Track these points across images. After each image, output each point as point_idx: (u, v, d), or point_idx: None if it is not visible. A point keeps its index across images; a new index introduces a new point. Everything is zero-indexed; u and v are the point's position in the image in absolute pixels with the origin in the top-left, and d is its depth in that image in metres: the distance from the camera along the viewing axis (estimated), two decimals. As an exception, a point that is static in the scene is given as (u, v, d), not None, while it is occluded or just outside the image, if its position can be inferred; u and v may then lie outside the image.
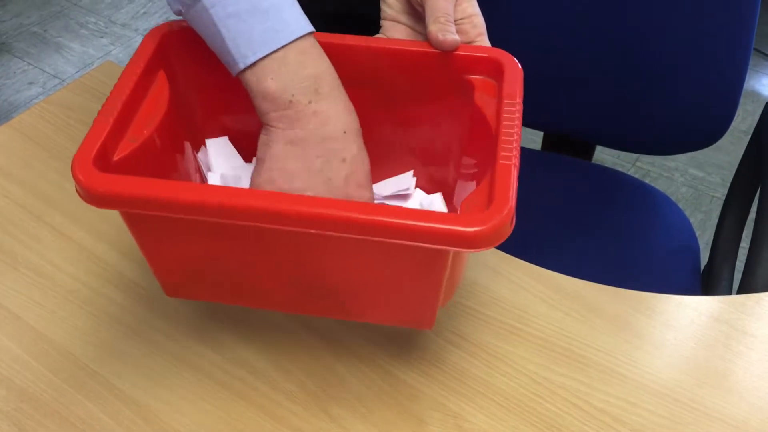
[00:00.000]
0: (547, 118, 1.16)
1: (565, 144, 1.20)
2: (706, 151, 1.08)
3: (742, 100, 1.02)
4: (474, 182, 0.60)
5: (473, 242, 0.49)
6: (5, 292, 0.74)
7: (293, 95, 0.59)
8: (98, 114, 0.56)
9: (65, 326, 0.71)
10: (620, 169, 1.25)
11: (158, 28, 0.63)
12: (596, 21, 1.04)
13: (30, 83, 2.21)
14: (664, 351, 0.70)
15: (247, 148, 0.69)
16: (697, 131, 1.06)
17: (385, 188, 0.68)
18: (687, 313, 0.73)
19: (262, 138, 0.61)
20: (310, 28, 0.61)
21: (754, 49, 0.99)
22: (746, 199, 1.05)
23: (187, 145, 0.66)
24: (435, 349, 0.69)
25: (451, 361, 0.68)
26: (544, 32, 1.06)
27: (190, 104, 0.65)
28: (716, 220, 1.08)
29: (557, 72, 1.09)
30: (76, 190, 0.54)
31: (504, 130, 0.56)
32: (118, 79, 0.59)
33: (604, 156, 1.93)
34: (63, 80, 2.22)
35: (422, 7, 0.65)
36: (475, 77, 0.61)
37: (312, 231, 0.50)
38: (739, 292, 0.93)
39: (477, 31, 0.65)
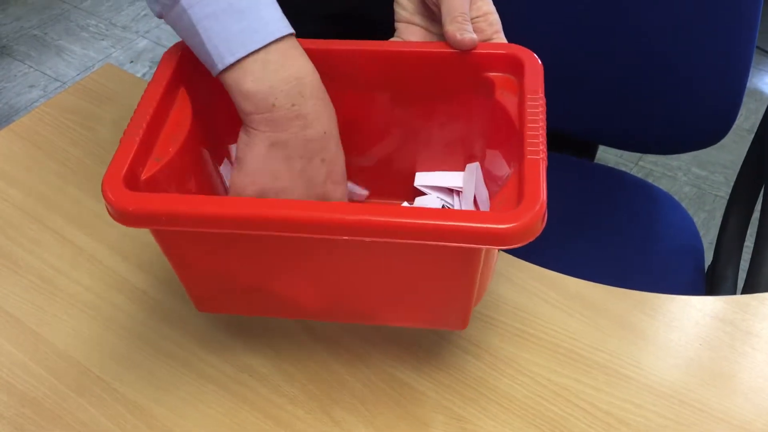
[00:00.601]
0: (550, 118, 1.15)
1: (567, 144, 1.20)
2: (709, 149, 1.07)
3: (744, 99, 1.01)
4: (501, 178, 0.60)
5: (506, 239, 0.49)
6: (6, 296, 0.74)
7: (276, 99, 0.59)
8: (124, 134, 0.57)
9: (67, 330, 0.71)
10: (623, 169, 1.25)
11: (177, 45, 0.64)
12: (598, 20, 1.03)
13: (31, 86, 2.21)
14: (669, 352, 0.70)
15: None
16: (700, 130, 1.06)
17: (439, 180, 0.67)
18: (692, 314, 0.73)
19: (243, 138, 0.61)
20: (290, 29, 0.61)
21: (757, 47, 0.99)
22: (750, 198, 1.05)
23: (211, 159, 0.66)
24: (439, 352, 0.69)
25: (454, 364, 0.68)
26: (547, 31, 1.06)
27: (212, 119, 0.65)
28: (720, 219, 1.08)
29: (560, 71, 1.08)
30: (107, 210, 0.54)
31: (529, 125, 0.55)
32: (141, 98, 0.59)
33: (607, 155, 1.92)
34: (64, 83, 2.22)
35: (437, 7, 0.65)
36: (494, 74, 0.61)
37: (344, 237, 0.50)
38: (744, 291, 0.92)
39: (493, 28, 0.65)
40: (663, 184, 1.89)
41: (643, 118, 1.07)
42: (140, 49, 2.33)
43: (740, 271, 1.00)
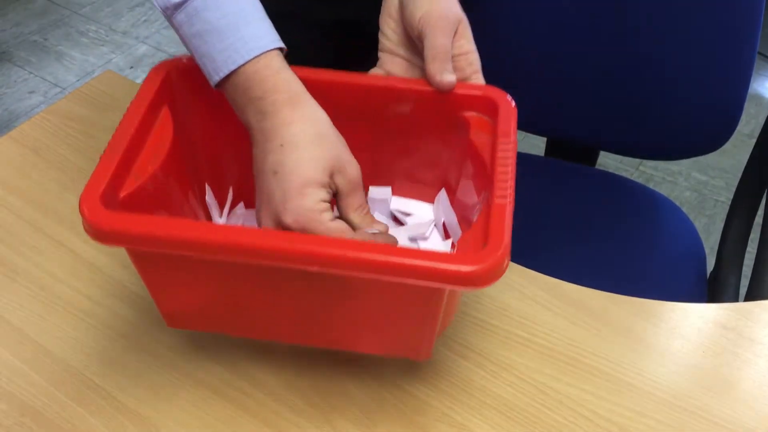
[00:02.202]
0: (551, 124, 1.15)
1: (568, 149, 1.20)
2: (709, 155, 1.07)
3: (745, 104, 1.01)
4: (471, 206, 0.62)
5: (470, 281, 0.51)
6: (5, 304, 0.73)
7: (248, 120, 0.62)
8: (105, 151, 0.57)
9: (66, 339, 0.70)
10: (623, 174, 1.24)
11: (163, 63, 0.64)
12: (600, 26, 1.03)
13: (30, 92, 2.21)
14: (671, 359, 0.69)
15: (248, 196, 0.70)
16: (702, 136, 1.06)
17: (405, 232, 0.69)
18: (694, 321, 0.72)
19: None
20: (268, 45, 0.62)
21: (758, 52, 0.99)
22: (752, 204, 1.05)
23: (192, 181, 0.67)
24: (441, 360, 0.69)
25: (456, 372, 0.68)
26: (548, 37, 1.06)
27: (194, 140, 0.66)
28: (720, 225, 1.08)
29: (561, 77, 1.08)
30: (83, 226, 0.54)
31: (499, 168, 0.57)
32: (124, 115, 0.60)
33: (607, 161, 1.92)
34: (64, 89, 2.22)
35: (421, 41, 0.66)
36: (470, 114, 0.63)
37: (314, 269, 0.52)
38: (747, 298, 0.92)
39: (472, 68, 0.67)
40: (663, 189, 1.89)
41: (644, 123, 1.07)
42: (140, 55, 2.33)
43: (742, 278, 1.00)
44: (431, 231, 0.68)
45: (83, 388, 0.67)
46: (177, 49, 2.31)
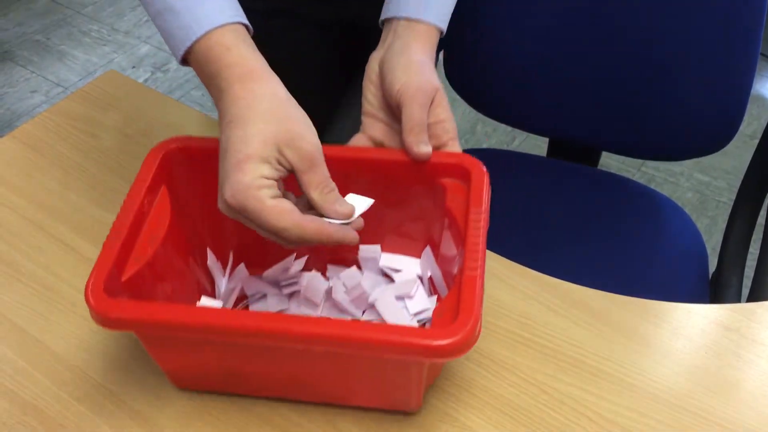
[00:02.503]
0: (553, 125, 1.15)
1: (570, 150, 1.20)
2: (711, 155, 1.07)
3: (747, 105, 1.01)
4: (453, 259, 0.65)
5: (443, 353, 0.54)
6: (9, 303, 0.73)
7: (213, 99, 0.63)
8: (107, 238, 0.60)
9: (70, 338, 0.71)
10: (625, 175, 1.24)
11: (160, 144, 0.67)
12: (602, 26, 1.03)
13: (33, 91, 2.21)
14: (674, 360, 0.69)
15: (248, 258, 0.74)
16: (704, 137, 1.06)
17: (393, 291, 0.71)
18: (696, 322, 0.72)
19: None
20: (219, 21, 0.62)
21: (761, 53, 0.99)
22: (754, 205, 1.05)
23: (193, 247, 0.70)
24: (442, 360, 0.69)
25: (459, 372, 0.68)
26: (550, 38, 1.06)
27: (194, 212, 0.69)
28: (722, 225, 1.08)
29: (563, 77, 1.08)
30: (90, 314, 0.57)
31: (470, 239, 0.60)
32: (125, 200, 0.62)
33: (609, 161, 1.92)
34: (66, 88, 2.22)
35: (399, 110, 0.68)
36: (446, 180, 0.66)
37: (299, 347, 0.56)
38: (749, 299, 0.92)
39: (448, 135, 0.69)
40: (665, 190, 1.89)
41: (647, 124, 1.07)
42: (142, 55, 2.33)
43: (745, 278, 1.00)
44: (416, 289, 0.71)
45: (87, 387, 0.67)
46: (179, 49, 2.31)
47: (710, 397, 0.66)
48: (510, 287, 0.74)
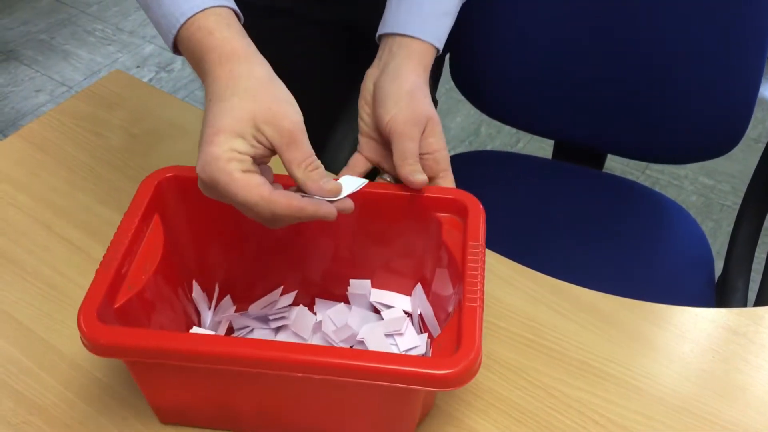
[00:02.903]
0: (559, 127, 1.15)
1: (576, 152, 1.20)
2: (715, 159, 1.07)
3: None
4: (447, 298, 0.65)
5: (443, 384, 0.54)
6: (15, 302, 0.73)
7: (201, 79, 0.62)
8: (100, 265, 0.60)
9: (76, 338, 0.69)
10: (630, 177, 1.24)
11: (155, 173, 0.67)
12: (608, 29, 1.03)
13: (37, 90, 2.21)
14: (681, 363, 0.69)
15: (234, 290, 0.73)
16: (711, 141, 1.05)
17: (382, 327, 0.71)
18: (704, 326, 0.72)
19: None
20: (199, 6, 0.62)
21: None
22: (761, 208, 1.04)
23: (181, 278, 0.70)
24: (449, 362, 0.68)
25: (465, 374, 0.68)
26: (556, 41, 1.06)
27: (182, 241, 0.69)
28: (726, 229, 1.08)
29: (569, 81, 1.08)
30: (81, 340, 0.57)
31: (469, 272, 0.60)
32: (118, 227, 0.62)
33: (613, 164, 1.92)
34: (70, 87, 2.22)
35: (389, 140, 0.69)
36: (442, 215, 0.66)
37: (298, 375, 0.55)
38: (756, 303, 0.92)
39: (440, 166, 0.69)
40: (669, 193, 1.88)
41: (653, 128, 1.07)
42: (146, 55, 2.34)
43: (751, 282, 0.99)
44: (406, 326, 0.71)
45: (92, 387, 0.67)
46: (183, 49, 2.31)
47: (717, 401, 0.66)
48: (517, 289, 0.74)
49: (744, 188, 1.08)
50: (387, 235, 0.69)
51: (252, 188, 0.57)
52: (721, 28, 0.98)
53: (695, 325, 0.72)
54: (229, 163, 0.57)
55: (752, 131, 2.02)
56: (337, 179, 0.62)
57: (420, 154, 0.69)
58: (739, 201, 1.08)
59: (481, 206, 0.65)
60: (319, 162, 0.60)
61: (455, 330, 0.57)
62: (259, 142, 0.58)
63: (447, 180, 0.70)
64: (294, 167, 0.59)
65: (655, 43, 1.01)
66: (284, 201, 0.57)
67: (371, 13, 0.79)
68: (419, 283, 0.71)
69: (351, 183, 0.63)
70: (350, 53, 0.99)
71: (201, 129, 0.59)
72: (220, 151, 0.57)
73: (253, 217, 0.59)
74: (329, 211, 0.60)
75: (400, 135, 0.68)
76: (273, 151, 0.59)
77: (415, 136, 0.68)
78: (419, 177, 0.66)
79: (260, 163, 0.60)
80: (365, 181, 0.64)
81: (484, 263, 0.61)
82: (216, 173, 0.57)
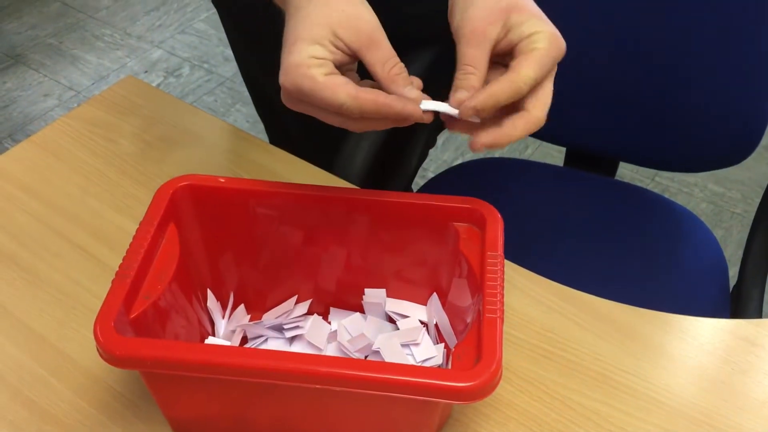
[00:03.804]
0: (571, 135, 1.14)
1: (588, 159, 1.19)
2: (726, 167, 1.06)
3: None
4: (464, 309, 0.64)
5: (464, 397, 0.53)
6: (27, 310, 0.73)
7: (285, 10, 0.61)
8: (116, 275, 0.59)
9: (88, 346, 0.70)
10: (639, 184, 1.23)
11: (170, 182, 0.66)
12: (620, 37, 1.02)
13: (45, 95, 2.21)
14: (701, 375, 0.68)
15: (247, 299, 0.73)
16: (724, 150, 1.05)
17: (398, 338, 0.70)
18: (722, 337, 0.71)
19: None
20: None
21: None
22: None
23: (195, 287, 0.69)
24: (465, 373, 0.68)
25: (481, 385, 0.67)
26: (569, 48, 1.05)
27: (197, 250, 0.69)
28: (737, 236, 1.07)
29: (581, 88, 1.08)
30: (98, 351, 0.56)
31: (488, 282, 0.59)
32: (135, 236, 0.62)
33: (623, 170, 1.91)
34: (78, 92, 2.22)
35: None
36: (459, 225, 0.65)
37: (314, 386, 0.54)
38: (773, 314, 0.91)
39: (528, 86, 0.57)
40: (679, 201, 1.87)
41: (668, 136, 1.06)
42: (155, 59, 2.33)
43: (766, 294, 0.99)
44: (422, 336, 0.70)
45: (106, 396, 0.66)
46: (191, 54, 2.32)
47: (739, 415, 0.65)
48: (533, 299, 0.73)
49: (753, 195, 1.08)
50: (401, 244, 0.68)
51: (337, 87, 0.56)
52: (734, 37, 0.97)
53: (714, 337, 0.71)
54: (311, 69, 0.56)
55: (764, 139, 2.01)
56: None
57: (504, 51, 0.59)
58: (749, 208, 1.08)
59: (499, 216, 0.64)
60: (402, 66, 0.58)
61: (475, 342, 0.57)
62: (337, 47, 0.57)
63: (530, 117, 0.58)
64: (377, 68, 0.57)
65: (670, 53, 1.01)
66: (371, 97, 0.56)
67: (383, 15, 0.78)
68: (435, 293, 0.70)
69: (434, 104, 0.59)
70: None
71: (282, 42, 0.59)
72: (300, 59, 0.56)
73: (339, 123, 0.58)
74: (415, 109, 0.57)
75: (467, 38, 0.58)
76: (354, 57, 0.58)
77: (479, 41, 0.58)
78: (470, 112, 0.57)
79: (344, 70, 0.58)
80: (448, 108, 0.58)
81: (503, 274, 0.60)
82: (299, 79, 0.56)
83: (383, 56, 0.58)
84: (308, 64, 0.56)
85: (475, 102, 0.56)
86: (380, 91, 0.57)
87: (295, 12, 0.59)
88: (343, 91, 0.56)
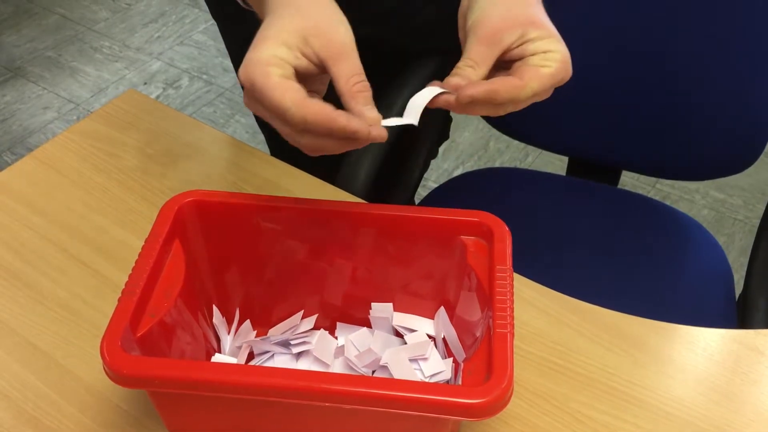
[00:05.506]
0: (574, 144, 1.14)
1: (591, 168, 1.19)
2: (728, 174, 1.06)
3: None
4: (473, 323, 0.63)
5: (475, 413, 0.53)
6: (31, 327, 0.72)
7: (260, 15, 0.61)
8: (122, 293, 0.59)
9: (94, 364, 0.69)
10: (640, 192, 1.23)
11: (175, 198, 0.66)
12: (623, 47, 1.02)
13: (45, 108, 2.21)
14: (710, 387, 0.68)
15: (253, 315, 0.73)
16: (729, 158, 1.05)
17: (405, 352, 0.69)
18: (732, 347, 0.71)
19: None
20: None
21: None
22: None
23: (201, 303, 0.69)
24: (473, 386, 0.67)
25: (490, 399, 0.66)
26: (572, 57, 1.05)
27: (202, 266, 0.68)
28: (739, 243, 1.06)
29: (584, 98, 1.07)
30: (105, 370, 0.55)
31: (498, 297, 0.59)
32: (140, 253, 0.61)
33: (624, 178, 1.90)
34: (77, 105, 2.22)
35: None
36: (467, 238, 0.65)
37: (323, 404, 0.54)
38: (780, 322, 0.90)
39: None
40: (680, 207, 1.87)
41: (671, 144, 1.06)
42: (153, 71, 2.33)
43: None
44: (431, 350, 0.69)
45: (111, 414, 0.66)
46: (190, 65, 2.32)
47: (750, 427, 0.65)
48: (541, 311, 0.73)
49: (755, 202, 1.07)
50: (407, 257, 0.68)
51: (286, 91, 0.55)
52: (738, 46, 0.97)
53: (723, 347, 0.71)
54: (268, 66, 0.55)
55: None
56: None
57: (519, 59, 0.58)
58: (751, 215, 1.07)
59: (507, 229, 0.64)
60: (367, 85, 0.57)
61: (485, 357, 0.56)
62: (304, 54, 0.57)
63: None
64: (342, 82, 0.56)
65: (672, 61, 1.00)
66: (317, 107, 0.54)
67: (387, 27, 0.78)
68: (442, 307, 0.70)
69: (395, 120, 0.58)
70: (369, 69, 0.99)
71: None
72: (261, 55, 0.56)
73: (286, 134, 0.57)
74: (361, 126, 0.55)
75: (480, 36, 0.58)
76: (320, 68, 0.57)
77: (498, 40, 0.57)
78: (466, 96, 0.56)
79: (305, 78, 0.58)
80: (413, 122, 0.58)
81: (512, 288, 0.60)
82: (253, 74, 0.55)
83: (350, 71, 0.57)
84: (268, 61, 0.55)
85: (475, 91, 0.56)
86: (328, 104, 0.55)
87: (270, 16, 0.58)
88: (290, 96, 0.54)
